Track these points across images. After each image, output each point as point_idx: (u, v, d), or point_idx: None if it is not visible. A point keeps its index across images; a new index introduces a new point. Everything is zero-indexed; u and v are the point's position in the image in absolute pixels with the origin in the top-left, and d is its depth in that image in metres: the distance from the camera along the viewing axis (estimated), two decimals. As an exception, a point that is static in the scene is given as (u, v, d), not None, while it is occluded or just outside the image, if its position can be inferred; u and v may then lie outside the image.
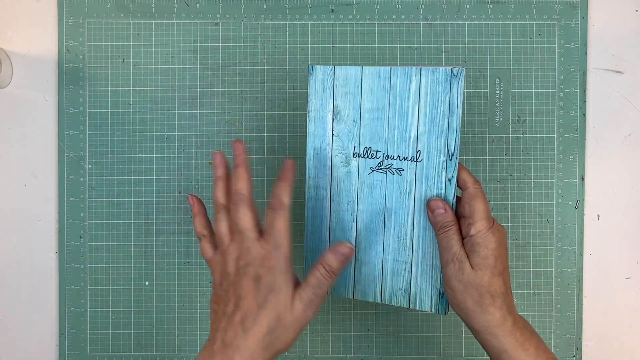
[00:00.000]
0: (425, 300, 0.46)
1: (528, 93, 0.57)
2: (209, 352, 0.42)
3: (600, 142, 0.58)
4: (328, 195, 0.47)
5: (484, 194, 0.44)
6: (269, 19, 0.58)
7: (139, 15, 0.58)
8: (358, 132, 0.46)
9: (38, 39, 0.58)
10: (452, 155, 0.44)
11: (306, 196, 0.48)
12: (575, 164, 0.57)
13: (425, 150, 0.44)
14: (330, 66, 0.46)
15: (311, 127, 0.47)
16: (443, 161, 0.44)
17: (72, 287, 0.58)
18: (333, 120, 0.47)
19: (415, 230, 0.46)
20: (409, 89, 0.44)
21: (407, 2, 0.57)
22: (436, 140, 0.44)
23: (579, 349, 0.58)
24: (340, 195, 0.47)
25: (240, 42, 0.58)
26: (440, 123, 0.44)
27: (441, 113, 0.44)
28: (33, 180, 0.58)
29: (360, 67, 0.45)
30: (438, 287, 0.46)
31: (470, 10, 0.57)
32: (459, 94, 0.43)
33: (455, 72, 0.43)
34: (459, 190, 0.45)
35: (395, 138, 0.45)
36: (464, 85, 0.43)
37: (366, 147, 0.46)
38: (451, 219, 0.43)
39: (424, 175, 0.45)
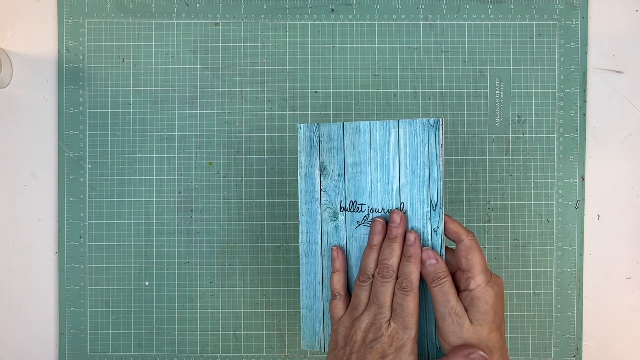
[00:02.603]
0: (422, 355, 0.45)
1: (528, 93, 0.57)
2: None
3: (600, 142, 0.58)
4: (319, 251, 0.47)
5: (479, 245, 0.43)
6: (269, 19, 0.58)
7: (139, 15, 0.58)
8: (343, 187, 0.46)
9: (38, 39, 0.58)
10: (436, 205, 0.43)
11: (300, 251, 0.48)
12: (575, 164, 0.57)
13: (408, 202, 0.44)
14: (315, 124, 0.46)
15: (302, 184, 0.47)
16: (427, 212, 0.44)
17: (72, 287, 0.58)
18: (320, 175, 0.47)
19: None
20: (389, 142, 0.44)
21: (407, 2, 0.57)
22: (418, 191, 0.44)
23: (579, 349, 0.58)
24: (330, 251, 0.47)
25: (240, 42, 0.58)
26: (421, 174, 0.43)
27: (421, 164, 0.43)
28: (33, 180, 0.58)
29: (342, 124, 0.46)
30: (434, 342, 0.44)
31: (470, 10, 0.57)
32: (437, 144, 0.43)
33: (432, 123, 0.43)
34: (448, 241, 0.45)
35: (379, 191, 0.45)
36: (442, 135, 0.43)
37: (352, 200, 0.46)
38: (444, 269, 0.42)
39: (409, 227, 0.44)
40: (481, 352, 0.40)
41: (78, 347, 0.58)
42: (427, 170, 0.43)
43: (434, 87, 0.57)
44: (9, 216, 0.58)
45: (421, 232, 0.44)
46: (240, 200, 0.58)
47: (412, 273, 0.42)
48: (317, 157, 0.47)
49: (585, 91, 0.57)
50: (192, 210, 0.58)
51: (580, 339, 0.58)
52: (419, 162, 0.44)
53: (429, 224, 0.44)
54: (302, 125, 0.47)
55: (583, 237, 0.58)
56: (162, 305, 0.58)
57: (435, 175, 0.43)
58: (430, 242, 0.44)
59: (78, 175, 0.58)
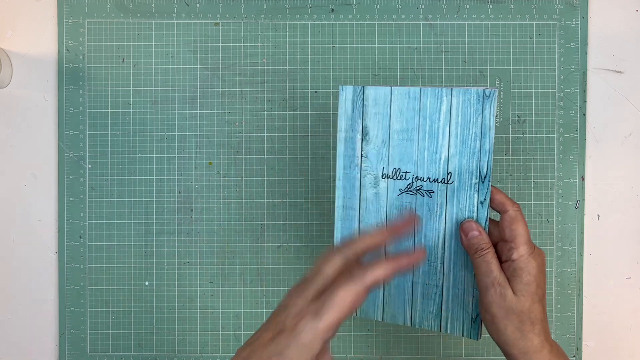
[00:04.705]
0: (457, 325, 0.45)
1: (528, 93, 0.57)
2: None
3: (600, 142, 0.58)
4: (357, 217, 0.47)
5: (524, 216, 0.43)
6: (269, 19, 0.58)
7: (139, 15, 0.58)
8: (387, 153, 0.45)
9: (38, 39, 0.58)
10: (485, 177, 0.43)
11: (335, 216, 0.47)
12: (575, 164, 0.57)
13: (456, 172, 0.44)
14: (360, 86, 0.45)
15: (341, 148, 0.46)
16: (475, 183, 0.43)
17: (72, 287, 0.58)
18: (362, 140, 0.46)
19: (446, 253, 0.45)
20: (440, 110, 0.44)
21: (407, 2, 0.57)
22: (468, 162, 0.43)
23: (579, 349, 0.58)
24: (369, 217, 0.46)
25: (240, 42, 0.58)
26: (472, 145, 0.43)
27: (473, 134, 0.43)
28: (33, 180, 0.58)
29: (389, 88, 0.45)
30: (470, 312, 0.45)
31: (470, 10, 0.57)
32: (491, 115, 0.43)
33: (487, 93, 0.42)
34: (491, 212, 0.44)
35: (425, 159, 0.44)
36: (497, 106, 0.42)
37: (395, 168, 0.45)
38: (487, 241, 0.42)
39: (455, 198, 0.44)
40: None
41: (78, 347, 0.58)
42: (478, 142, 0.43)
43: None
44: (9, 216, 0.58)
45: (467, 204, 0.44)
46: (240, 200, 0.58)
47: (374, 270, 0.38)
48: (360, 121, 0.46)
49: (585, 91, 0.57)
50: (192, 210, 0.58)
51: (580, 339, 0.58)
52: (470, 132, 0.43)
53: (475, 195, 0.44)
54: (345, 86, 0.46)
55: (583, 237, 0.58)
56: (162, 305, 0.58)
57: (487, 147, 0.43)
58: (475, 213, 0.44)
59: (78, 175, 0.58)
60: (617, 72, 0.58)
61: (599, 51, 0.58)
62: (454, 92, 0.43)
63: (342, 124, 0.46)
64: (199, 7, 0.58)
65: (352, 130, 0.46)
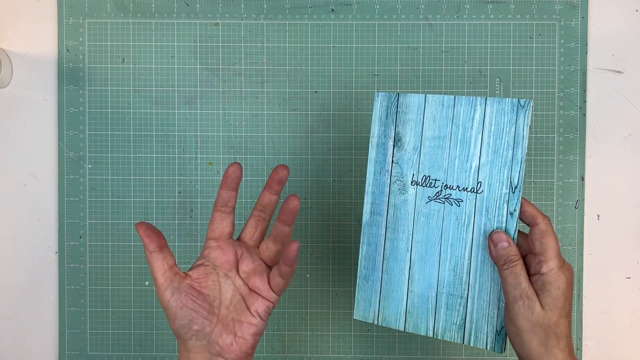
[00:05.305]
0: (481, 337, 0.44)
1: (528, 93, 0.57)
2: None
3: (600, 142, 0.58)
4: (384, 223, 0.46)
5: (553, 229, 0.43)
6: (269, 19, 0.58)
7: (139, 15, 0.58)
8: (418, 160, 0.45)
9: (38, 39, 0.58)
10: (516, 187, 0.43)
11: (363, 222, 0.47)
12: (575, 164, 0.57)
13: (486, 182, 0.43)
14: (395, 93, 0.46)
15: (372, 153, 0.46)
16: (505, 194, 0.43)
17: (72, 287, 0.58)
18: (394, 147, 0.46)
19: (472, 263, 0.44)
20: (473, 119, 0.44)
21: (407, 2, 0.57)
22: (499, 172, 0.43)
23: (579, 349, 0.58)
24: (396, 223, 0.46)
25: (240, 42, 0.58)
26: (504, 154, 0.43)
27: (505, 144, 0.43)
28: (33, 180, 0.58)
29: (424, 95, 0.45)
30: (495, 324, 0.44)
31: (470, 10, 0.57)
32: (525, 125, 0.43)
33: (522, 103, 0.42)
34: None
35: (456, 168, 0.44)
36: (531, 117, 0.42)
37: (425, 175, 0.45)
38: (515, 253, 0.42)
39: (484, 208, 0.44)
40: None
41: (78, 347, 0.58)
42: (511, 151, 0.43)
43: (434, 87, 0.57)
44: (9, 216, 0.58)
45: (496, 214, 0.43)
46: (240, 200, 0.58)
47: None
48: (393, 127, 0.46)
49: (585, 91, 0.57)
50: (192, 210, 0.58)
51: (580, 339, 0.58)
52: (503, 142, 0.43)
53: (505, 206, 0.43)
54: (380, 93, 0.46)
55: (583, 237, 0.58)
56: (162, 305, 0.58)
57: (519, 157, 0.43)
58: (504, 224, 0.43)
59: (78, 175, 0.58)
60: (617, 72, 0.58)
61: (599, 51, 0.58)
62: (488, 102, 0.43)
63: (375, 130, 0.46)
64: (199, 7, 0.58)
65: (385, 136, 0.46)
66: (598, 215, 0.58)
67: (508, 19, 0.57)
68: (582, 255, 0.58)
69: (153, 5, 0.58)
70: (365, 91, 0.58)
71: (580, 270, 0.58)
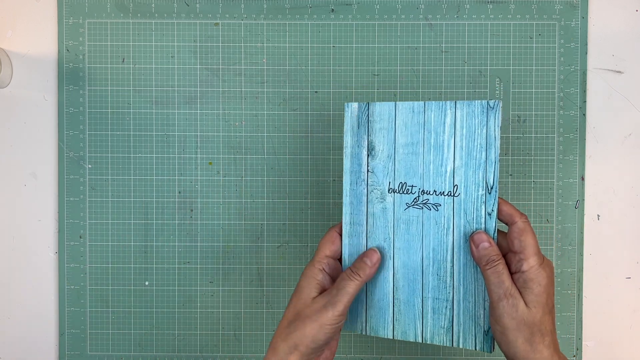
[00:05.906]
0: (469, 338, 0.45)
1: (528, 93, 0.57)
2: None
3: (600, 142, 0.58)
4: (364, 232, 0.47)
5: (532, 227, 0.43)
6: (269, 19, 0.58)
7: (139, 15, 0.58)
8: (393, 168, 0.46)
9: (38, 39, 0.58)
10: (492, 188, 0.43)
11: (343, 232, 0.47)
12: (575, 164, 0.57)
13: (462, 185, 0.44)
14: (364, 103, 0.46)
15: (347, 164, 0.47)
16: (482, 195, 0.43)
17: (72, 287, 0.58)
18: (368, 156, 0.46)
19: (455, 266, 0.45)
20: (444, 123, 0.44)
21: (407, 2, 0.57)
22: (474, 174, 0.43)
23: (579, 349, 0.58)
24: (376, 232, 0.46)
25: (240, 42, 0.58)
26: (478, 156, 0.43)
27: (478, 146, 0.43)
28: (33, 180, 0.58)
29: (394, 103, 0.45)
30: (482, 325, 0.44)
31: (470, 10, 0.57)
32: (496, 126, 0.43)
33: (491, 105, 0.43)
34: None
35: (431, 173, 0.45)
36: (501, 117, 0.42)
37: (401, 182, 0.45)
38: (497, 252, 0.42)
39: (462, 210, 0.44)
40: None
41: (78, 347, 0.58)
42: (484, 153, 0.43)
43: (434, 87, 0.57)
44: (9, 216, 0.58)
45: (475, 216, 0.44)
46: (240, 200, 0.58)
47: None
48: (366, 137, 0.46)
49: (585, 91, 0.57)
50: (192, 210, 0.58)
51: (580, 339, 0.58)
52: (475, 144, 0.43)
53: (483, 207, 0.44)
54: (350, 103, 0.46)
55: (583, 237, 0.58)
56: (162, 305, 0.58)
57: (493, 157, 0.43)
58: (483, 225, 0.44)
59: (78, 175, 0.58)
60: (617, 72, 0.58)
61: (599, 51, 0.58)
62: (457, 105, 0.44)
63: (348, 140, 0.47)
64: (199, 7, 0.58)
65: (358, 146, 0.46)
66: (598, 216, 0.58)
67: (508, 19, 0.57)
68: (582, 255, 0.58)
69: (153, 5, 0.58)
70: (365, 91, 0.58)
71: (580, 270, 0.58)
